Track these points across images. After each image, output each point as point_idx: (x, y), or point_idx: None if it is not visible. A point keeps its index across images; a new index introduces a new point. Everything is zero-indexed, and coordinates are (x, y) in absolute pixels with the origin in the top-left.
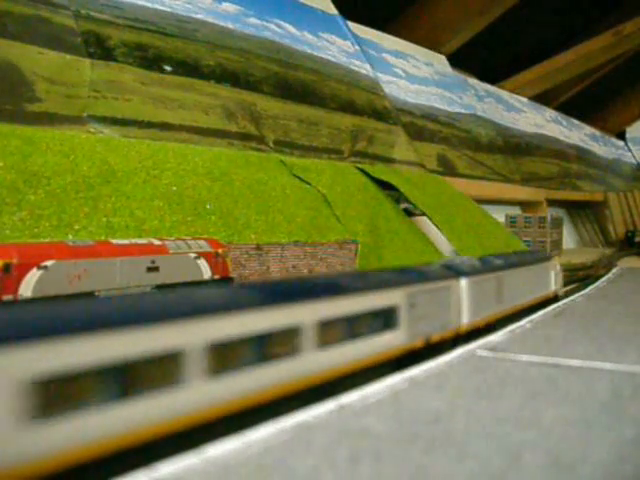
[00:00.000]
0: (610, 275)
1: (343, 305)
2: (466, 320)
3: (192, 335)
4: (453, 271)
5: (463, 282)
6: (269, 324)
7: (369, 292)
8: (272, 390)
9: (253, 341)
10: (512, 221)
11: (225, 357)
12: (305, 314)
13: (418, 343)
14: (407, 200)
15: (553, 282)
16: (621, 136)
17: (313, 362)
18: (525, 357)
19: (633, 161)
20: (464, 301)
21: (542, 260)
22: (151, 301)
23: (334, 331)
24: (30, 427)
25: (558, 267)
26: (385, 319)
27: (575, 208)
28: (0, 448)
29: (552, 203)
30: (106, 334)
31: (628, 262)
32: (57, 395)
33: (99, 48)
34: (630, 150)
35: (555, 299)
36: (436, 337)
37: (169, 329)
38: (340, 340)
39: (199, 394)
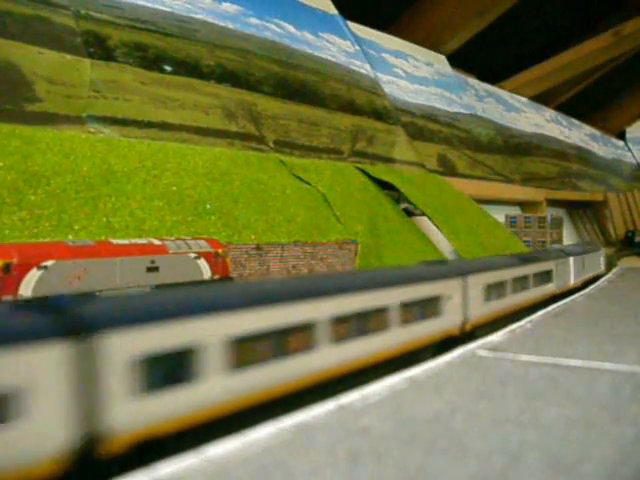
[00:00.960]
0: (610, 275)
1: (536, 267)
2: (572, 282)
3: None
4: (566, 253)
5: (571, 259)
6: (516, 274)
7: (545, 260)
8: (516, 306)
9: (493, 287)
10: (512, 221)
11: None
12: (530, 270)
13: (558, 291)
14: (407, 200)
15: (602, 265)
16: (621, 136)
17: (520, 299)
18: (525, 357)
19: (633, 161)
20: (571, 270)
21: (597, 250)
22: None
23: (534, 280)
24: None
25: (604, 255)
26: (548, 276)
27: (575, 208)
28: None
29: (552, 203)
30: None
31: (628, 262)
32: (490, 292)
33: (99, 48)
34: (630, 150)
35: (601, 276)
36: (563, 289)
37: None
38: (535, 286)
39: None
